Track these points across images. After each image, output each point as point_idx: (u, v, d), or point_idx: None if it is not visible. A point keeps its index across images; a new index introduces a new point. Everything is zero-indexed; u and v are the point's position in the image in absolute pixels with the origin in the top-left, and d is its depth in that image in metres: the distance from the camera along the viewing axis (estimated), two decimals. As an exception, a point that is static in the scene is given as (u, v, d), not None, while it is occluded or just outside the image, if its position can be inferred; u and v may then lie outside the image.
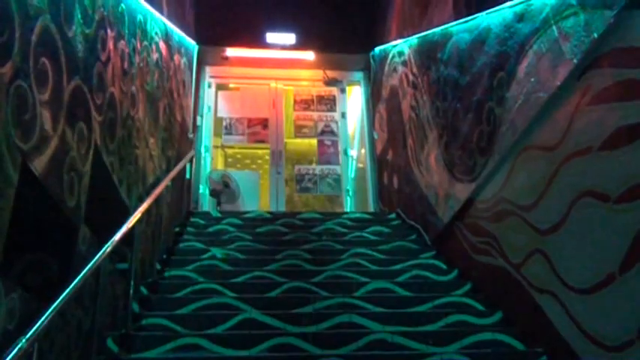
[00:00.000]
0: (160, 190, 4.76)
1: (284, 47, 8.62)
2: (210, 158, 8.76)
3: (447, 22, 5.23)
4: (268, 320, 3.87)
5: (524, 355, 3.53)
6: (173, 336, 3.60)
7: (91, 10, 3.27)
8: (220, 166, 9.75)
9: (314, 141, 9.14)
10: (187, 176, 7.08)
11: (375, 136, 8.52)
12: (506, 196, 3.98)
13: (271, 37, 8.54)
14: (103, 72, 3.51)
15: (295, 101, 9.28)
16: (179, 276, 4.81)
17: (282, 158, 8.86)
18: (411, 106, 6.51)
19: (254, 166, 11.11)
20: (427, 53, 5.92)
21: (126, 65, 4.07)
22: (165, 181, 5.13)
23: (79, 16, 3.06)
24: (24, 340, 2.06)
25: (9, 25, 2.26)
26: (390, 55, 7.56)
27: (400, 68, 7.04)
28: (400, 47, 7.05)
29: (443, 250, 5.34)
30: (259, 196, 8.79)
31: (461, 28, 4.91)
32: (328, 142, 9.09)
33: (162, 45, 5.51)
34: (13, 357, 1.98)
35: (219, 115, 9.02)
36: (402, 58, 6.93)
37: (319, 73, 9.20)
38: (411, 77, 6.52)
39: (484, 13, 4.37)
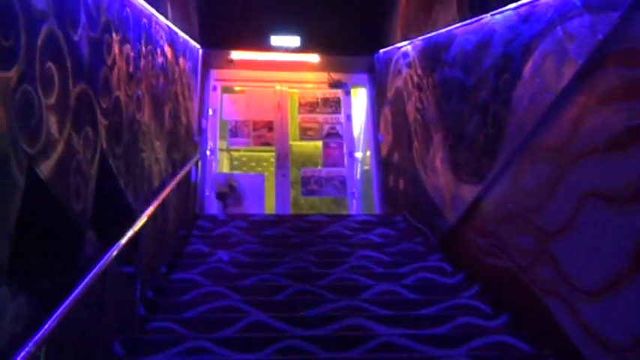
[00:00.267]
0: (165, 193, 4.77)
1: (289, 50, 8.62)
2: (215, 161, 8.77)
3: (452, 24, 5.22)
4: (275, 323, 3.87)
5: (531, 357, 3.52)
6: (179, 339, 3.60)
7: (96, 13, 3.28)
8: (226, 168, 9.74)
9: (319, 143, 9.13)
10: (193, 179, 7.09)
11: (380, 138, 8.51)
12: (513, 198, 3.97)
13: (276, 39, 8.54)
14: (109, 76, 3.52)
15: (300, 104, 9.26)
16: (185, 279, 4.81)
17: (287, 161, 8.87)
18: (416, 108, 6.50)
19: (259, 169, 11.09)
20: (432, 55, 5.91)
21: (131, 69, 4.08)
22: (171, 185, 5.14)
23: (85, 20, 3.07)
24: (31, 344, 2.07)
25: (14, 29, 2.26)
26: (395, 57, 7.55)
27: (405, 70, 7.03)
28: (405, 49, 7.04)
29: (450, 252, 5.32)
30: (265, 199, 8.80)
31: (466, 30, 4.91)
32: (333, 145, 9.08)
33: (167, 48, 5.53)
34: (20, 361, 1.99)
35: (225, 117, 9.04)
36: (407, 60, 6.92)
37: (324, 76, 9.19)
38: (415, 79, 6.51)
39: (489, 14, 4.36)
